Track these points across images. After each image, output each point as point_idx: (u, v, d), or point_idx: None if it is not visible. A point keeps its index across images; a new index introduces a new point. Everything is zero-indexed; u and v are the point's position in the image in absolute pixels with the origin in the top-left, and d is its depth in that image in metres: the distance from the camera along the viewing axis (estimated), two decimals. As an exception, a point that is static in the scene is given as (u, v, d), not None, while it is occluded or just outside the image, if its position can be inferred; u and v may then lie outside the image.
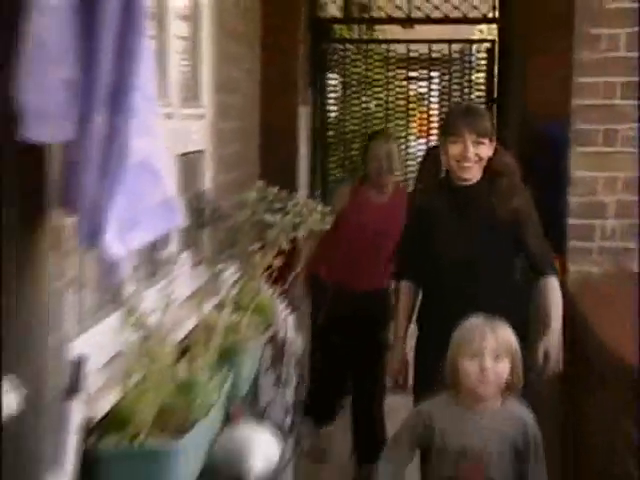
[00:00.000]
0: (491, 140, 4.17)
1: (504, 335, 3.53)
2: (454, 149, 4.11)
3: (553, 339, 4.17)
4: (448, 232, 4.21)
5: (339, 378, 6.10)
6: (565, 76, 4.91)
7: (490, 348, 3.46)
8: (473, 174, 4.15)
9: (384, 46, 9.33)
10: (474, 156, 4.09)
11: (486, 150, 4.13)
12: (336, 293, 5.73)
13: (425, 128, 10.69)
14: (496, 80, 7.86)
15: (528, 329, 4.30)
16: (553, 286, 4.25)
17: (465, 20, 8.38)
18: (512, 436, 3.51)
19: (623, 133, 4.87)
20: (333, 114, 8.67)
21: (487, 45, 8.34)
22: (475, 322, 3.57)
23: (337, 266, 5.81)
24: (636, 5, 4.76)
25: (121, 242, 1.80)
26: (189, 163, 4.23)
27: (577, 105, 4.88)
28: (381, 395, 5.99)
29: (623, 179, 4.89)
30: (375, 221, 5.66)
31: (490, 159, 4.17)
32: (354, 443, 6.13)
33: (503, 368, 3.48)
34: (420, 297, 4.50)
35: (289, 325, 4.59)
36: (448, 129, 4.25)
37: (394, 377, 4.48)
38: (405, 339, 4.46)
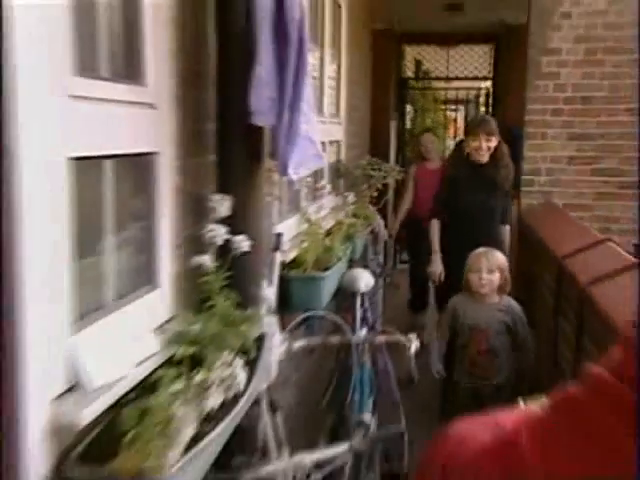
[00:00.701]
0: (495, 137, 3.80)
1: (494, 258, 3.23)
2: (474, 143, 3.79)
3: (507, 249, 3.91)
4: (467, 190, 3.83)
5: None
6: (522, 105, 4.73)
7: (484, 266, 3.18)
8: (485, 158, 3.80)
9: (434, 91, 9.09)
10: (486, 147, 3.77)
11: (493, 143, 3.78)
12: (416, 222, 5.15)
13: (454, 133, 10.42)
14: (491, 109, 7.56)
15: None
16: (507, 230, 3.96)
17: (476, 78, 8.04)
18: (504, 318, 3.19)
19: (550, 134, 4.66)
20: (408, 125, 8.48)
21: (486, 91, 8.01)
22: (478, 251, 3.27)
23: (415, 207, 5.33)
24: (559, 69, 4.60)
25: (295, 174, 1.85)
26: (334, 146, 4.23)
27: (528, 119, 4.67)
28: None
29: (550, 156, 4.68)
30: (430, 181, 4.90)
31: (495, 148, 3.81)
32: (412, 300, 5.51)
33: (493, 277, 3.18)
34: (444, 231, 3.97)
35: (380, 225, 4.59)
36: (470, 131, 3.92)
37: (434, 277, 3.87)
38: (439, 254, 3.89)
